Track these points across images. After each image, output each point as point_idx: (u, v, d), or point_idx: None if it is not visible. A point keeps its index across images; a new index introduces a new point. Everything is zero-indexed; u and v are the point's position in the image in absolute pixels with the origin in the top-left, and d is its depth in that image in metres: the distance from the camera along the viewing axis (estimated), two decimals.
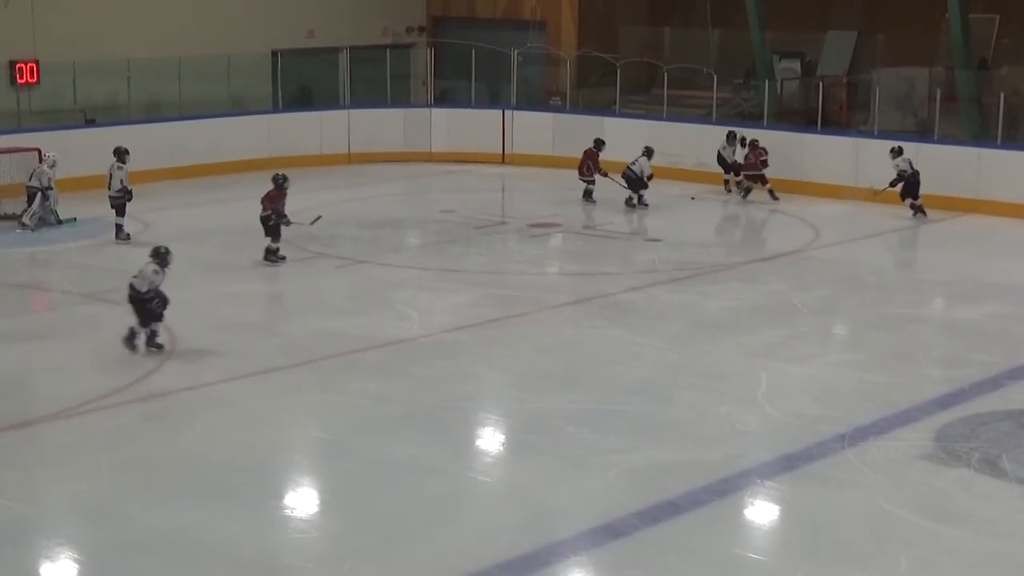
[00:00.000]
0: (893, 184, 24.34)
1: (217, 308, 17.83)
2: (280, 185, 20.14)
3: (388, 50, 32.33)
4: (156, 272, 15.71)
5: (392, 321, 17.31)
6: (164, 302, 15.71)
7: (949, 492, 11.89)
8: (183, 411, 13.91)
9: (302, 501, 11.90)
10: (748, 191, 26.09)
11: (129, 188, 21.68)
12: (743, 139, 26.49)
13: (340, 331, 16.73)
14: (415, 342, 16.47)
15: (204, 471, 12.27)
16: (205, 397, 14.30)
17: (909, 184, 24.38)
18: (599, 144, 25.64)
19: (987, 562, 10.62)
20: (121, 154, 21.93)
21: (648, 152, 25.37)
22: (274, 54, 31.06)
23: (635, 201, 25.16)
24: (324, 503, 11.86)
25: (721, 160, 26.87)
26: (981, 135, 26.81)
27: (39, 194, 22.45)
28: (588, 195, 25.44)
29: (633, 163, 25.25)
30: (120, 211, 21.80)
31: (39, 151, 23.14)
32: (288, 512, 11.56)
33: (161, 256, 15.85)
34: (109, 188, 21.74)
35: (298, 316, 17.50)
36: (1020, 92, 27.85)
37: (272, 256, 19.90)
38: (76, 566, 10.44)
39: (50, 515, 11.46)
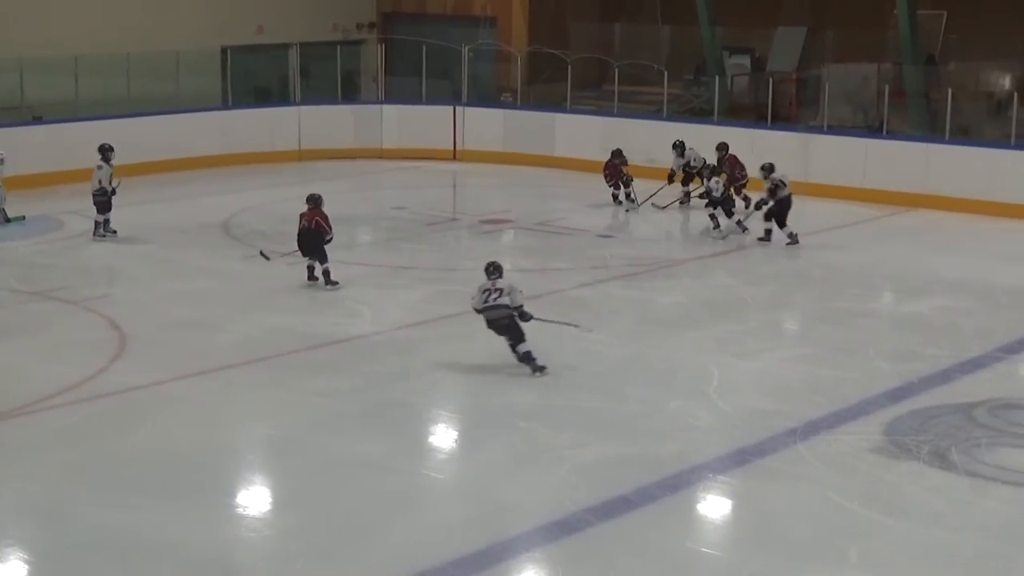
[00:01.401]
0: (759, 206, 22.13)
1: (167, 306, 17.74)
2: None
3: (338, 46, 32.22)
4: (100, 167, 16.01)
5: (344, 318, 17.28)
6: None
7: (899, 485, 11.99)
8: (134, 410, 13.82)
9: (254, 499, 11.86)
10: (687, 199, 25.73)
11: (110, 187, 21.64)
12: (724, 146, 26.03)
13: (292, 328, 16.69)
14: (367, 339, 16.45)
15: (155, 470, 12.20)
16: (156, 395, 14.22)
17: (780, 204, 21.83)
18: (617, 154, 25.30)
19: (937, 554, 10.71)
20: (104, 151, 21.93)
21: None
22: (223, 51, 30.92)
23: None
24: (276, 501, 11.82)
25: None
26: (929, 130, 27.00)
27: None
28: (622, 198, 25.18)
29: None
30: (100, 208, 21.73)
31: None
32: (240, 510, 11.52)
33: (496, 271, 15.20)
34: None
35: (249, 314, 17.42)
36: (967, 87, 28.11)
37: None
38: (26, 566, 10.36)
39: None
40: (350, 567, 10.35)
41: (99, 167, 21.73)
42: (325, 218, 18.76)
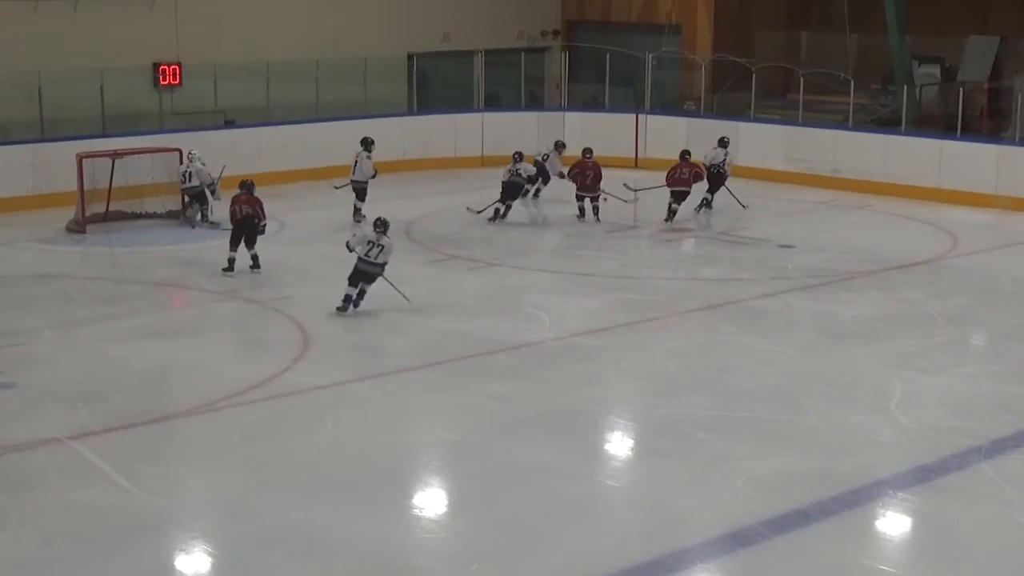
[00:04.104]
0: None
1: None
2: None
3: (523, 53, 32.40)
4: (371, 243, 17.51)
5: (522, 324, 17.35)
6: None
7: None
8: (315, 409, 14.06)
9: (430, 501, 11.98)
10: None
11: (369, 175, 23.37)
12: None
13: (470, 332, 16.82)
14: (545, 345, 16.50)
15: (334, 469, 12.42)
16: (336, 396, 14.47)
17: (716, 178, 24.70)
18: (587, 152, 24.67)
19: None
20: (367, 144, 23.53)
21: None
22: (410, 57, 31.32)
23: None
24: (452, 504, 11.93)
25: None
26: None
27: (205, 191, 23.08)
28: (595, 211, 24.40)
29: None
30: (359, 195, 23.49)
31: (179, 151, 23.59)
32: (417, 512, 11.65)
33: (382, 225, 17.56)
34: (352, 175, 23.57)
35: (429, 317, 17.60)
36: None
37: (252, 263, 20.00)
38: (208, 559, 10.63)
39: (184, 508, 11.66)
40: (524, 572, 10.39)
41: (367, 156, 23.46)
42: (261, 204, 19.66)
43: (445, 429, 13.64)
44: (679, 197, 24.15)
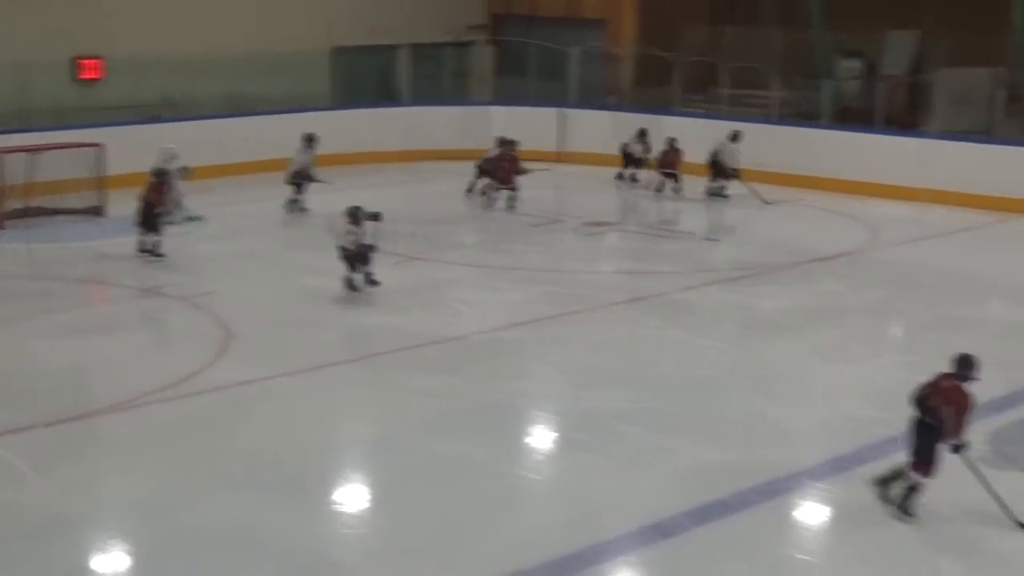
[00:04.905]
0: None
1: (272, 303, 17.98)
2: (163, 179, 20.36)
3: (448, 48, 32.37)
4: (349, 232, 17.71)
5: (447, 318, 17.37)
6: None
7: (1003, 496, 11.79)
8: (238, 405, 14.02)
9: (354, 497, 11.98)
10: (661, 187, 26.41)
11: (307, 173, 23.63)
12: (672, 140, 26.87)
13: (395, 327, 16.83)
14: (470, 339, 16.53)
15: (258, 465, 12.38)
16: (260, 392, 14.40)
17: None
18: (511, 144, 25.17)
19: None
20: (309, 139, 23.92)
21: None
22: (334, 51, 31.20)
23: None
24: (376, 499, 11.94)
25: (628, 155, 27.52)
26: None
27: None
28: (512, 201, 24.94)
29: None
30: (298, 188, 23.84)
31: (99, 146, 23.36)
32: (340, 507, 11.64)
33: (352, 215, 17.86)
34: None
35: (354, 312, 17.59)
36: None
37: (153, 253, 20.01)
38: (128, 559, 10.56)
39: (105, 507, 11.59)
40: (447, 566, 10.41)
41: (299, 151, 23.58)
42: (161, 191, 19.97)
43: (369, 424, 13.66)
44: (669, 177, 26.41)
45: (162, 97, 28.11)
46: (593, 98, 32.36)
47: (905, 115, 29.06)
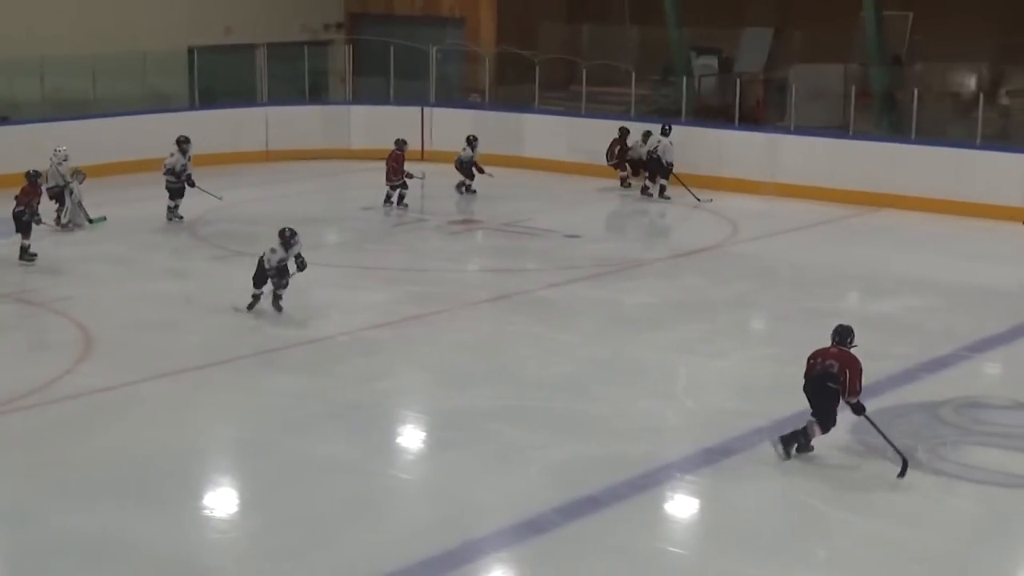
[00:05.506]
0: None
1: (134, 307, 17.66)
2: (33, 181, 20.09)
3: (306, 47, 32.12)
4: (274, 251, 16.94)
5: (311, 319, 17.22)
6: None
7: (866, 484, 12.04)
8: (99, 412, 13.76)
9: (221, 501, 11.81)
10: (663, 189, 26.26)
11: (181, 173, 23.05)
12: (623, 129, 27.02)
13: (259, 329, 16.65)
14: (334, 340, 16.42)
15: (121, 472, 12.14)
16: (122, 397, 14.15)
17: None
18: (402, 145, 25.26)
19: (903, 552, 10.75)
20: (180, 143, 23.14)
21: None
22: (190, 51, 30.80)
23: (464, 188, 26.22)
24: (244, 503, 11.79)
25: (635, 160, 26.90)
26: (895, 131, 27.11)
27: (63, 192, 22.21)
28: (396, 198, 24.80)
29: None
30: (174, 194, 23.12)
31: None
32: (207, 512, 11.48)
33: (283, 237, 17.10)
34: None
35: (216, 314, 17.35)
36: (933, 88, 28.23)
37: (26, 255, 19.75)
38: None
39: None
40: (318, 568, 10.32)
41: (171, 155, 22.91)
42: (32, 196, 19.78)
43: (235, 427, 13.49)
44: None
45: (9, 99, 27.49)
46: (454, 97, 32.36)
47: (761, 111, 29.49)
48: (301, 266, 17.20)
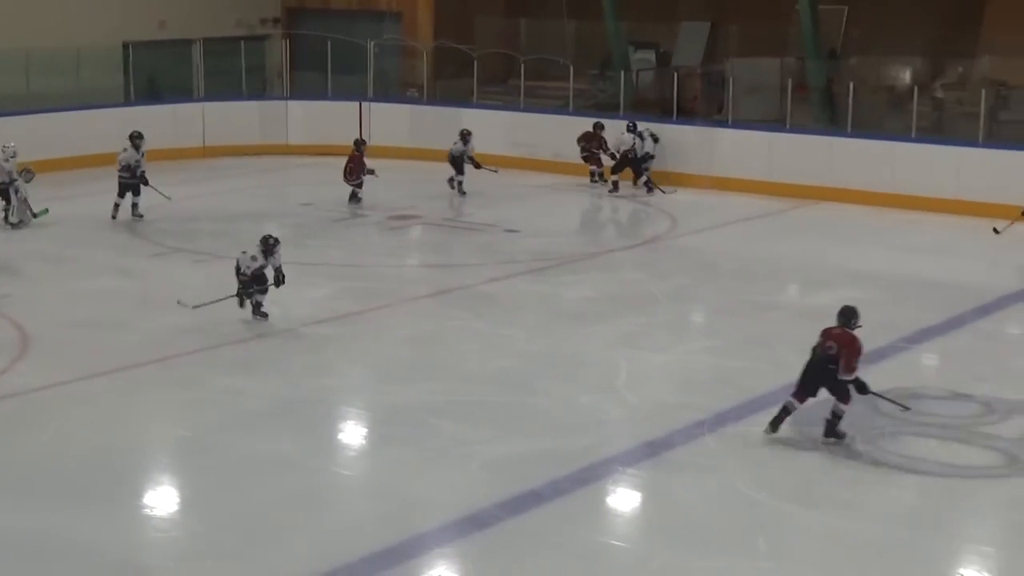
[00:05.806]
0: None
1: (71, 305, 17.52)
2: None
3: (242, 42, 31.94)
4: (254, 259, 16.46)
5: (251, 316, 17.11)
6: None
7: (806, 475, 12.14)
8: (37, 411, 13.63)
9: (162, 500, 11.73)
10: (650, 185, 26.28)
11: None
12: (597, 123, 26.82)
13: (198, 327, 16.50)
14: (275, 337, 16.34)
15: (60, 472, 12.04)
16: (60, 396, 14.03)
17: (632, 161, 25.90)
18: (360, 145, 25.24)
19: (844, 543, 10.83)
20: (133, 138, 22.97)
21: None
22: (125, 46, 30.54)
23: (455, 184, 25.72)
24: (185, 501, 11.70)
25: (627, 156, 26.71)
26: (832, 124, 27.31)
27: (8, 189, 21.94)
28: (354, 197, 24.80)
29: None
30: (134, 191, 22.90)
31: None
32: (148, 511, 11.39)
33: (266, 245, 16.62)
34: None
35: (155, 312, 17.22)
36: (868, 81, 28.45)
37: None
38: None
39: None
40: (260, 566, 10.28)
41: (124, 150, 22.69)
42: None
43: (176, 425, 13.40)
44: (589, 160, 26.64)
45: None
46: (392, 91, 32.29)
47: (698, 105, 29.62)
48: (280, 281, 16.75)
